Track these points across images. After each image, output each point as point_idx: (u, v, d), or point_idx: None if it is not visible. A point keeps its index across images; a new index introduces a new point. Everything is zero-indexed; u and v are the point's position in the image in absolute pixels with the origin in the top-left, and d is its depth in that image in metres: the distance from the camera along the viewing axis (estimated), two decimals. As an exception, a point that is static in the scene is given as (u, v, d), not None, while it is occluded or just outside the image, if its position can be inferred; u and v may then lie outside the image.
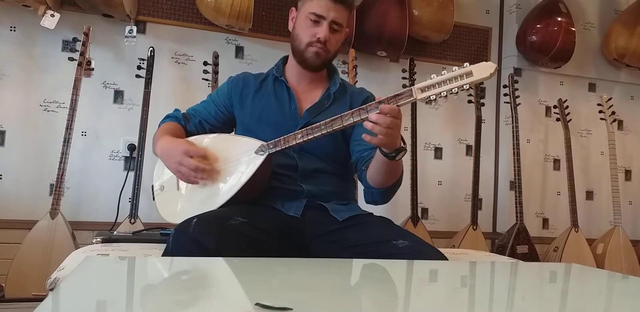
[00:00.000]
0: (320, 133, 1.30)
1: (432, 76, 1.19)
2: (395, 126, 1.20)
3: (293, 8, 1.53)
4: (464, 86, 1.16)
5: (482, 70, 1.15)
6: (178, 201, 1.44)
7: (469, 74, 1.16)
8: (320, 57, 1.47)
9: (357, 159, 1.47)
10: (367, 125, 1.20)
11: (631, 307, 0.85)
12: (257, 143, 1.39)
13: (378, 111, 1.21)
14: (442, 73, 1.18)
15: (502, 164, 3.17)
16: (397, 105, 1.21)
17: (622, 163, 3.33)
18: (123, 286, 0.82)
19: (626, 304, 0.89)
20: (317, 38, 1.44)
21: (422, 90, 1.20)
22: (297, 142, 1.33)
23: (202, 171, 1.35)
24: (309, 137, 1.32)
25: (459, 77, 1.16)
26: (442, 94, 1.18)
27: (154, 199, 1.52)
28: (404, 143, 1.29)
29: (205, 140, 1.48)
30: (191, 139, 1.51)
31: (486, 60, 1.19)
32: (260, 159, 1.36)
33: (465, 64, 1.17)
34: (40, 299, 0.70)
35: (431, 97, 1.19)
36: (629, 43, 3.17)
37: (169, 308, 0.69)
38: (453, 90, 1.17)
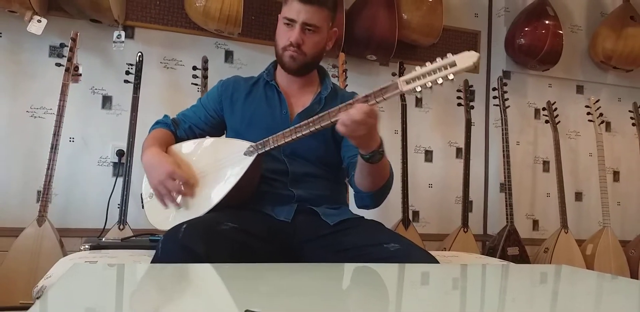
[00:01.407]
0: (308, 130, 1.29)
1: (416, 68, 1.20)
2: (364, 123, 1.18)
3: (279, 14, 1.53)
4: (449, 76, 1.17)
5: (465, 59, 1.16)
6: (167, 208, 1.43)
7: (453, 64, 1.17)
8: (297, 61, 1.46)
9: (347, 164, 1.47)
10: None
11: (620, 308, 0.86)
12: (246, 144, 1.38)
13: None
14: (426, 64, 1.19)
15: (492, 166, 3.19)
16: (384, 98, 1.21)
17: (610, 164, 3.36)
18: (111, 294, 0.82)
19: (615, 304, 0.89)
20: (290, 42, 1.43)
21: (408, 82, 1.20)
22: (286, 140, 1.32)
23: (182, 194, 1.36)
24: (297, 135, 1.31)
25: (442, 68, 1.17)
26: (427, 85, 1.18)
27: (143, 207, 1.51)
28: (381, 147, 1.27)
29: (192, 147, 1.48)
30: (178, 145, 1.50)
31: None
32: (249, 161, 1.35)
33: (448, 55, 1.18)
34: (27, 307, 0.69)
35: (416, 88, 1.19)
36: (616, 45, 3.20)
37: (157, 316, 0.69)
38: (438, 80, 1.17)
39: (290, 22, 1.43)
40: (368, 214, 1.52)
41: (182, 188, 1.36)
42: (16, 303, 2.03)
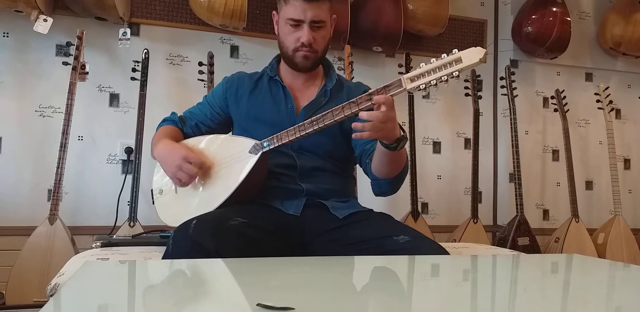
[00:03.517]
0: (312, 129, 1.29)
1: (421, 65, 1.18)
2: (388, 119, 1.18)
3: (274, 12, 1.52)
4: (454, 73, 1.14)
5: (471, 56, 1.13)
6: (177, 204, 1.44)
7: (458, 60, 1.14)
8: (310, 59, 1.46)
9: (360, 152, 1.46)
10: (357, 125, 1.18)
11: (633, 296, 0.85)
12: (251, 142, 1.38)
13: (369, 104, 1.20)
14: (432, 61, 1.17)
15: (500, 156, 3.17)
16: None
17: (620, 152, 3.33)
18: (124, 290, 0.82)
19: (628, 293, 0.88)
20: (301, 43, 1.42)
21: (412, 79, 1.18)
22: (290, 139, 1.32)
23: (199, 175, 1.37)
24: (301, 134, 1.31)
25: (448, 65, 1.15)
26: (432, 82, 1.16)
27: (153, 203, 1.52)
28: (403, 131, 1.27)
29: (201, 143, 1.48)
30: (187, 141, 1.51)
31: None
32: (254, 158, 1.36)
33: (454, 51, 1.15)
34: (41, 305, 0.69)
35: (421, 86, 1.17)
36: (625, 31, 3.17)
37: (170, 311, 0.69)
38: (443, 78, 1.15)
39: (297, 22, 1.42)
40: (377, 206, 1.52)
41: (199, 171, 1.36)
42: (30, 301, 2.06)
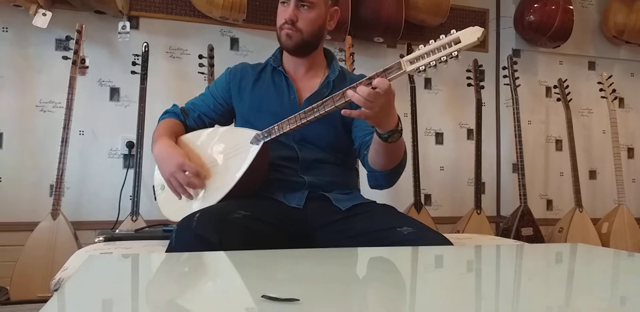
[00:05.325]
0: (313, 116, 1.27)
1: (419, 47, 1.17)
2: (376, 99, 1.15)
3: None
4: (453, 53, 1.13)
5: (470, 35, 1.12)
6: (179, 199, 1.43)
7: (457, 40, 1.13)
8: (292, 39, 1.43)
9: (359, 144, 1.45)
10: (352, 95, 1.17)
11: (638, 285, 0.85)
12: (252, 133, 1.38)
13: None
14: (430, 43, 1.16)
15: (504, 146, 3.16)
16: (388, 80, 1.17)
17: (624, 141, 3.32)
18: (128, 284, 0.82)
19: (632, 282, 0.88)
20: (284, 19, 1.42)
21: (411, 62, 1.17)
22: (291, 127, 1.31)
23: (192, 186, 1.37)
24: (302, 122, 1.30)
25: (447, 45, 1.14)
26: (431, 63, 1.15)
27: (155, 199, 1.51)
28: (399, 126, 1.25)
29: (201, 138, 1.47)
30: (187, 136, 1.50)
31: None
32: (255, 149, 1.35)
33: (452, 31, 1.14)
34: (45, 300, 0.69)
35: (420, 67, 1.16)
36: (628, 19, 3.14)
37: (175, 304, 0.69)
38: (442, 58, 1.14)
39: (286, 1, 1.42)
40: (380, 198, 1.51)
41: (193, 180, 1.36)
42: (34, 296, 2.07)
